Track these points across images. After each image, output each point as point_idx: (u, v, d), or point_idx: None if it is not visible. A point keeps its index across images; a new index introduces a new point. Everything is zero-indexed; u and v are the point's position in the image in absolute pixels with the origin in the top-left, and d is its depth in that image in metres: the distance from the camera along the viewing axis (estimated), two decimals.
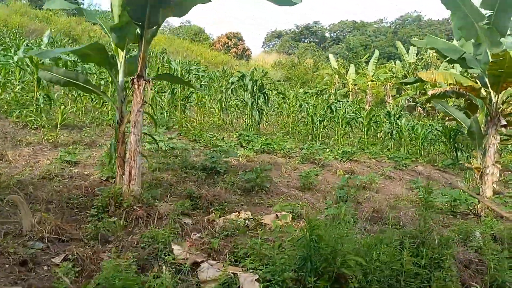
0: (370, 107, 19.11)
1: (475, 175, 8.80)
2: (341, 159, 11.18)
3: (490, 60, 7.47)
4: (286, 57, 56.80)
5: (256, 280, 3.69)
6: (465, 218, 7.70)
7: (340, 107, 13.72)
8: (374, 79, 30.59)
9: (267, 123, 15.28)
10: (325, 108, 13.99)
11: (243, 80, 13.47)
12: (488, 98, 8.23)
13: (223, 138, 10.69)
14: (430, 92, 9.50)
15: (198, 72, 13.49)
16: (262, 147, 11.02)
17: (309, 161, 10.33)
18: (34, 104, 9.92)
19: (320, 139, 14.02)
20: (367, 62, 34.17)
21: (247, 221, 5.40)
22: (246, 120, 13.73)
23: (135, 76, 5.19)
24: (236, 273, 3.78)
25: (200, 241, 4.58)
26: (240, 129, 13.37)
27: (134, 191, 5.14)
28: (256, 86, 13.53)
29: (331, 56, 35.40)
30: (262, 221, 5.57)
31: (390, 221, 6.27)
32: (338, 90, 32.08)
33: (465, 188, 8.66)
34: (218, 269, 3.85)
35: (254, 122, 13.52)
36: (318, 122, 14.16)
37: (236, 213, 5.71)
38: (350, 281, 3.83)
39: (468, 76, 8.65)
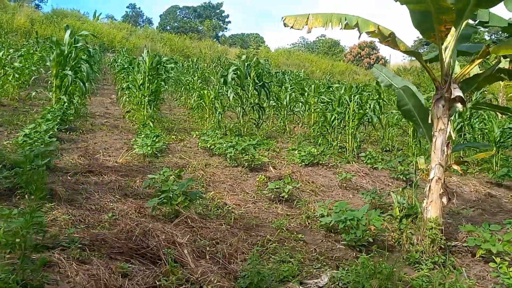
0: None
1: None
2: (302, 162, 8.32)
3: None
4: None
5: None
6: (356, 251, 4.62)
7: (352, 101, 10.44)
8: None
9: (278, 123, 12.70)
10: (338, 102, 10.88)
11: (237, 72, 11.30)
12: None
13: (156, 136, 8.77)
14: None
15: (167, 64, 11.81)
16: (210, 146, 8.86)
17: (239, 163, 7.80)
18: None
19: (337, 141, 10.97)
20: None
21: None
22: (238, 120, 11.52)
23: None
24: None
25: None
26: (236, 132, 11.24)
27: None
28: (250, 77, 11.26)
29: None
30: None
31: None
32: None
33: (400, 201, 5.29)
34: None
35: (246, 122, 11.26)
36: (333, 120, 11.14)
37: None
38: None
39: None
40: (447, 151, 4.94)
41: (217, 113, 11.30)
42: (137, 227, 3.96)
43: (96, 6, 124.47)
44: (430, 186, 4.94)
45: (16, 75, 13.38)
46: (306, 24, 4.88)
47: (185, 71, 24.31)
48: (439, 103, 4.93)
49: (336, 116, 10.96)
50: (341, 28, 4.78)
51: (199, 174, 6.83)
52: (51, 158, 6.01)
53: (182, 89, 18.24)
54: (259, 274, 3.40)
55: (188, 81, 17.52)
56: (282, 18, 4.94)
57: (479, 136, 12.08)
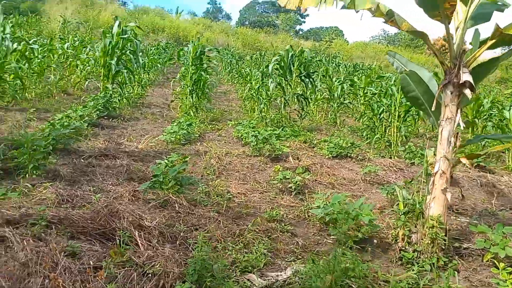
0: None
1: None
2: (329, 154, 7.95)
3: None
4: None
5: None
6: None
7: (399, 91, 9.75)
8: None
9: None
10: (385, 93, 10.26)
11: (281, 62, 11.09)
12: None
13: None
14: None
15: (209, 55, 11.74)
16: (242, 136, 8.78)
17: (261, 153, 7.59)
18: None
19: (380, 134, 10.34)
20: None
21: None
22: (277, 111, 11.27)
23: None
24: None
25: None
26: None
27: None
28: (293, 67, 10.99)
29: None
30: None
31: None
32: None
33: (406, 196, 4.81)
34: None
35: (288, 113, 11.01)
36: (380, 113, 10.56)
37: None
38: None
39: None
40: (454, 143, 4.44)
41: (260, 103, 11.18)
42: (105, 208, 3.98)
43: (180, 3, 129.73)
44: (433, 180, 4.48)
45: (81, 66, 14.21)
46: (300, 4, 4.60)
47: (253, 64, 24.55)
48: (446, 89, 4.43)
49: (385, 108, 10.37)
50: (336, 7, 4.44)
51: (213, 162, 6.77)
52: (68, 140, 6.28)
53: (242, 80, 18.39)
54: (204, 261, 3.26)
55: (247, 73, 17.58)
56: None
57: None
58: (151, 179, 5.56)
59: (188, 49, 10.94)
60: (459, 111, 4.42)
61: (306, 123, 12.40)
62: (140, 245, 3.50)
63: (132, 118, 10.30)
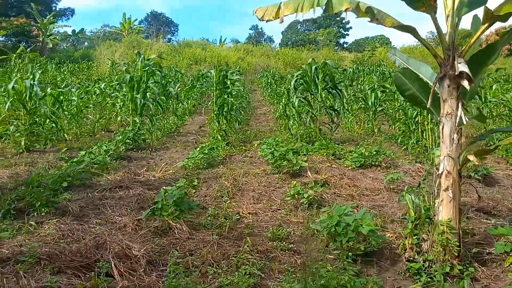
0: None
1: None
2: (353, 164, 7.60)
3: None
4: None
5: None
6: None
7: None
8: None
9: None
10: None
11: (304, 76, 10.91)
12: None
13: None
14: None
15: (232, 76, 11.68)
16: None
17: (280, 170, 7.37)
18: None
19: (414, 139, 9.83)
20: None
21: None
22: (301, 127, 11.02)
23: None
24: None
25: None
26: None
27: None
28: (317, 78, 10.77)
29: None
30: None
31: None
32: None
33: (416, 202, 4.42)
34: None
35: (316, 127, 10.73)
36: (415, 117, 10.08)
37: None
38: None
39: None
40: (458, 140, 4.06)
41: (289, 120, 11.02)
42: (92, 240, 3.96)
43: (224, 32, 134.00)
44: (439, 182, 4.10)
45: (120, 103, 14.66)
46: (278, 15, 4.46)
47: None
48: (443, 82, 4.10)
49: (419, 112, 9.91)
50: (314, 13, 4.25)
51: (227, 184, 6.65)
52: (84, 175, 6.42)
53: (277, 100, 18.35)
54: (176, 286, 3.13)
55: (282, 92, 17.52)
56: (254, 11, 4.58)
57: None
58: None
59: (211, 74, 11.02)
60: (460, 105, 4.05)
61: (340, 135, 12.08)
62: (117, 275, 3.42)
63: (162, 148, 10.45)
